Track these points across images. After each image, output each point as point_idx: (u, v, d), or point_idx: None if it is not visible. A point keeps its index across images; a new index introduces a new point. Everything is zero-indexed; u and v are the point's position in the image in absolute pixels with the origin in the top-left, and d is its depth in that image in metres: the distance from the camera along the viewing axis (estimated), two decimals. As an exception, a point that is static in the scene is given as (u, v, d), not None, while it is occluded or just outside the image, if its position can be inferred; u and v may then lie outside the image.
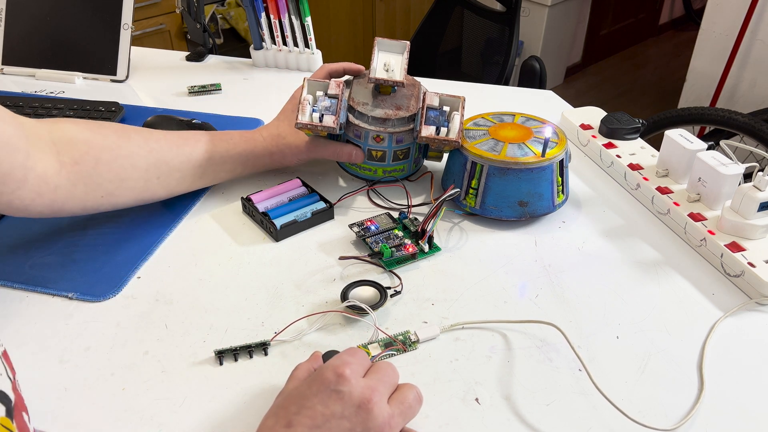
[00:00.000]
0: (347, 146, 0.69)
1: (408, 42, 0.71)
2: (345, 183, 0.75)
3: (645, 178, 0.71)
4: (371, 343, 0.53)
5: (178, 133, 0.67)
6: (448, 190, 0.63)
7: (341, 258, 0.62)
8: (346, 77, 0.73)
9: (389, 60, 0.68)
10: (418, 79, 0.97)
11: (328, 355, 0.48)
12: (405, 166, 0.71)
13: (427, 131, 0.66)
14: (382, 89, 0.69)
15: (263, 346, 0.52)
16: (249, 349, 0.52)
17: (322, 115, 0.66)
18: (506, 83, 1.60)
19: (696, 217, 0.64)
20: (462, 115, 0.67)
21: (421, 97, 0.70)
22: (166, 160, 0.64)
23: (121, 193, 0.62)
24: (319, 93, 0.68)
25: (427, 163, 0.77)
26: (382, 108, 0.68)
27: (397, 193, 0.73)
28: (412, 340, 0.53)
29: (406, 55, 0.70)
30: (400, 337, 0.53)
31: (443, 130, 0.66)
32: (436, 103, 0.68)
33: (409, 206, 0.69)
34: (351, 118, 0.68)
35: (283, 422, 0.40)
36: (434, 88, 0.98)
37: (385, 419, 0.40)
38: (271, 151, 0.70)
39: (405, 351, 0.52)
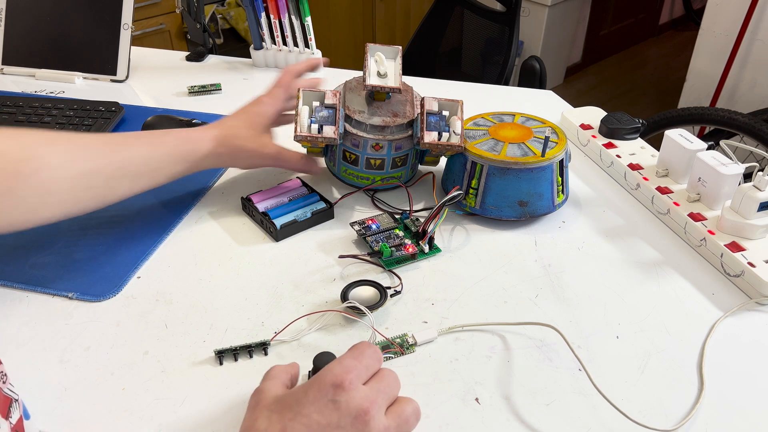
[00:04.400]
0: (311, 160, 0.70)
1: (400, 47, 0.70)
2: (345, 183, 0.75)
3: (645, 178, 0.71)
4: (371, 343, 0.53)
5: (111, 136, 0.61)
6: (452, 191, 0.63)
7: (341, 257, 0.62)
8: (337, 86, 0.73)
9: (383, 66, 0.68)
10: (416, 79, 0.97)
11: (322, 357, 0.48)
12: (403, 172, 0.71)
13: (430, 137, 0.65)
14: (377, 96, 0.69)
15: (263, 346, 0.52)
16: (249, 349, 0.52)
17: (321, 126, 0.65)
18: (506, 83, 1.60)
19: (696, 217, 0.64)
20: (462, 119, 0.67)
21: (416, 102, 0.69)
22: (97, 168, 0.58)
23: (47, 209, 0.56)
24: (315, 103, 0.67)
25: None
26: (379, 115, 0.67)
27: (399, 195, 0.73)
28: (410, 343, 0.53)
29: (399, 60, 0.69)
30: (398, 340, 0.53)
31: (445, 134, 0.66)
32: (435, 108, 0.67)
33: (410, 210, 0.69)
34: (348, 127, 0.67)
35: (277, 427, 0.39)
36: (434, 88, 0.99)
37: None
38: (218, 153, 0.65)
39: (402, 354, 0.52)
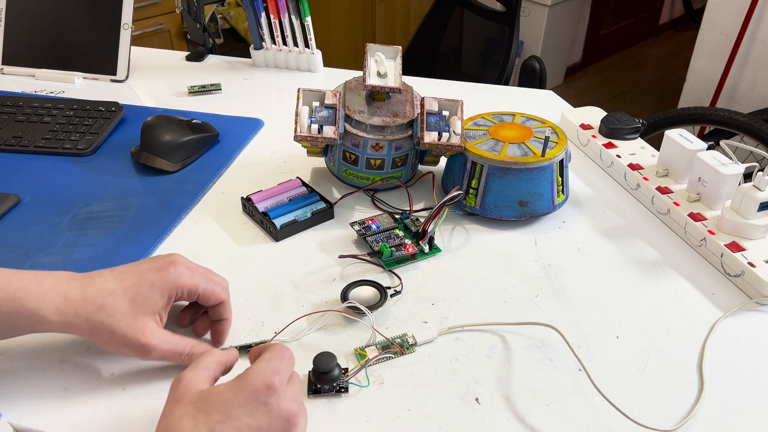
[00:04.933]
0: (191, 344, 0.49)
1: (400, 47, 0.70)
2: (345, 183, 0.75)
3: (645, 178, 0.71)
4: (368, 346, 0.53)
5: None
6: (452, 191, 0.63)
7: (341, 257, 0.62)
8: (338, 87, 0.73)
9: (383, 66, 0.68)
10: (416, 79, 0.97)
11: (322, 357, 0.48)
12: (403, 172, 0.71)
13: (430, 137, 0.66)
14: (377, 96, 0.69)
15: (263, 346, 0.52)
16: (249, 349, 0.52)
17: (321, 126, 0.65)
18: (506, 83, 1.60)
19: (696, 217, 0.64)
20: (462, 119, 0.67)
21: (416, 102, 0.69)
22: None
23: None
24: (315, 103, 0.67)
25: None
26: (379, 115, 0.67)
27: (399, 195, 0.73)
28: (410, 343, 0.53)
29: (399, 60, 0.69)
30: (398, 340, 0.53)
31: (445, 135, 0.66)
32: (435, 108, 0.67)
33: (410, 210, 0.69)
34: (348, 127, 0.67)
35: (204, 430, 0.38)
36: (433, 88, 0.99)
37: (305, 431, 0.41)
38: (67, 323, 0.45)
39: (403, 354, 0.52)
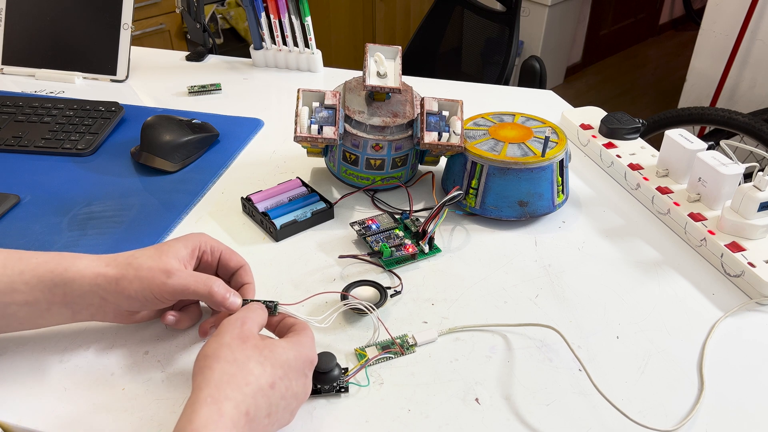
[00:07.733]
0: (222, 286, 0.50)
1: (400, 47, 0.70)
2: (345, 183, 0.75)
3: (645, 178, 0.71)
4: (369, 346, 0.53)
5: None
6: (452, 191, 0.63)
7: (341, 257, 0.62)
8: (336, 93, 0.72)
9: (382, 66, 0.68)
10: (416, 79, 0.97)
11: (322, 357, 0.48)
12: (403, 173, 0.71)
13: (430, 137, 0.65)
14: (377, 96, 0.69)
15: (263, 346, 0.52)
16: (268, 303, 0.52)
17: (321, 126, 0.65)
18: (506, 83, 1.60)
19: (696, 217, 0.64)
20: (462, 119, 0.67)
21: (416, 102, 0.69)
22: None
23: None
24: (315, 104, 0.67)
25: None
26: (379, 116, 0.67)
27: (399, 195, 0.73)
28: (410, 344, 0.53)
29: (399, 60, 0.69)
30: (398, 340, 0.53)
31: (445, 135, 0.66)
32: (435, 108, 0.67)
33: (410, 210, 0.69)
34: (348, 127, 0.67)
35: (268, 380, 0.42)
36: (433, 88, 0.99)
37: None
38: (99, 276, 0.48)
39: (403, 354, 0.52)
